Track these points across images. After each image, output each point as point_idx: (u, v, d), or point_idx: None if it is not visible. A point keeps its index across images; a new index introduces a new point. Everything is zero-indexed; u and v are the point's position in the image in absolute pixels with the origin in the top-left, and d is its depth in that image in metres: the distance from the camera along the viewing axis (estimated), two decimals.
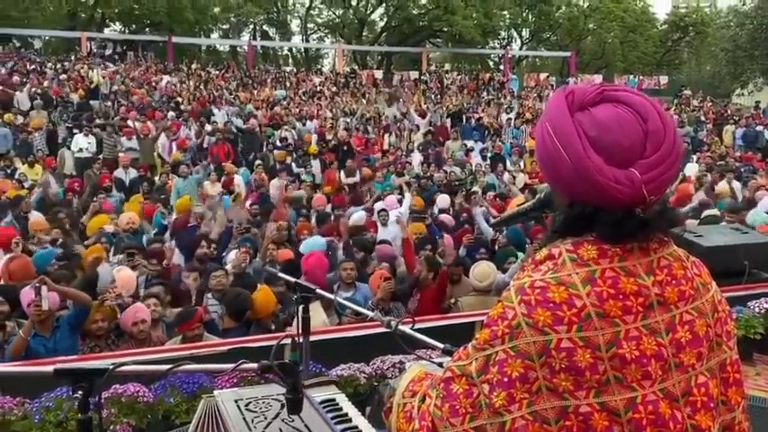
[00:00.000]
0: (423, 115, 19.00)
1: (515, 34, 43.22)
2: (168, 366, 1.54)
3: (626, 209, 1.20)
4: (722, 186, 11.70)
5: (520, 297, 1.22)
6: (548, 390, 1.17)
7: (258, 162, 13.57)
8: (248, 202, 10.07)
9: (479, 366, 1.22)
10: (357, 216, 8.67)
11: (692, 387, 1.21)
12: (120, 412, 3.28)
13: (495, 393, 1.19)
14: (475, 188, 11.31)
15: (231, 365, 1.58)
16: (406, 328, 1.99)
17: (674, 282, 1.24)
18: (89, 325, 4.68)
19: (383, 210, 8.87)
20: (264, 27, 42.80)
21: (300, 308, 2.30)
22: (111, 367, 1.48)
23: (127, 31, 37.10)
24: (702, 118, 21.85)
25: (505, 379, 1.19)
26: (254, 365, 1.55)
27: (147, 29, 36.76)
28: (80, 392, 1.46)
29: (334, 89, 24.57)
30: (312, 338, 2.97)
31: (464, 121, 19.44)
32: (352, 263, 5.96)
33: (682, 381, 1.21)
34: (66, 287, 4.81)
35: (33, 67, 23.15)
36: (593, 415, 1.16)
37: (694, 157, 16.15)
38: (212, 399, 1.84)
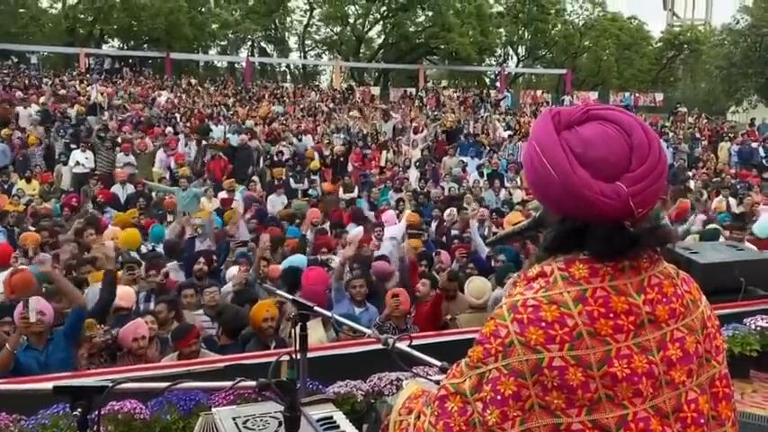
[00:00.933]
0: (416, 131, 19.12)
1: (511, 51, 43.55)
2: (167, 384, 1.55)
3: (615, 223, 1.22)
4: (718, 203, 11.78)
5: (513, 315, 1.23)
6: (540, 407, 1.19)
7: (254, 178, 13.59)
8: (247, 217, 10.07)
9: (473, 384, 1.24)
10: (355, 232, 8.68)
11: (682, 403, 1.23)
12: (117, 429, 3.26)
13: (488, 411, 1.21)
14: (464, 204, 11.32)
15: (229, 383, 1.58)
16: (403, 346, 2.00)
17: (664, 300, 1.26)
18: (82, 342, 4.66)
19: (378, 225, 8.90)
20: (262, 44, 43.05)
21: (298, 325, 2.31)
22: (110, 385, 1.49)
23: (125, 47, 37.30)
24: (698, 135, 22.00)
25: (499, 397, 1.20)
26: (253, 383, 1.55)
27: (145, 45, 36.96)
28: (79, 410, 1.47)
29: (331, 105, 24.68)
30: (309, 355, 2.97)
31: (462, 137, 19.53)
32: (362, 280, 5.91)
33: (672, 398, 1.22)
34: (65, 283, 4.78)
35: (29, 82, 23.20)
36: None
37: (690, 174, 16.24)
38: (210, 416, 1.84)
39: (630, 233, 1.22)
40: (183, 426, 3.34)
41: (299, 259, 6.86)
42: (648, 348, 1.22)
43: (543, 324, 1.20)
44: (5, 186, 12.46)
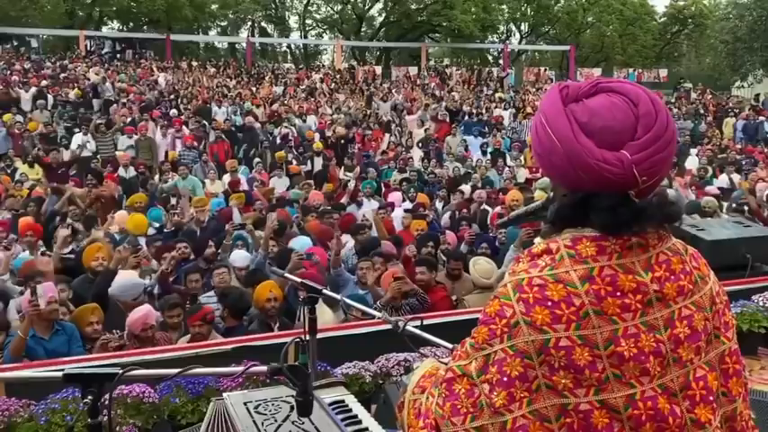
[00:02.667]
0: (410, 112, 18.99)
1: (514, 28, 43.16)
2: (177, 370, 1.54)
3: (620, 194, 1.21)
4: (723, 180, 11.75)
5: (518, 295, 1.22)
6: (547, 388, 1.18)
7: (257, 160, 13.53)
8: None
9: (479, 366, 1.24)
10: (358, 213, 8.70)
11: (690, 381, 1.22)
12: (126, 413, 3.27)
13: (495, 393, 1.20)
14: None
15: (240, 368, 1.57)
16: (414, 329, 1.98)
17: (672, 277, 1.25)
18: (84, 328, 4.66)
19: (381, 207, 8.92)
20: (263, 24, 42.70)
21: (306, 308, 2.29)
22: (120, 372, 1.48)
23: (125, 29, 37.04)
24: (702, 111, 21.82)
25: (505, 378, 1.20)
26: (264, 368, 1.54)
27: (145, 27, 36.69)
28: (90, 397, 1.46)
29: (333, 86, 24.51)
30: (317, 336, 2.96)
31: (465, 116, 19.38)
32: (369, 262, 5.87)
33: (680, 375, 1.22)
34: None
35: (31, 66, 23.09)
36: (593, 412, 1.17)
37: (693, 151, 16.12)
38: (221, 401, 1.84)
39: (635, 205, 1.21)
40: (192, 409, 3.35)
41: (303, 241, 6.84)
42: (656, 327, 1.21)
43: (549, 303, 1.19)
44: (8, 171, 12.43)
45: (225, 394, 1.86)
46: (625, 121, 1.22)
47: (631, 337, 1.18)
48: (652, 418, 1.18)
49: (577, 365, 1.17)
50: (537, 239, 1.32)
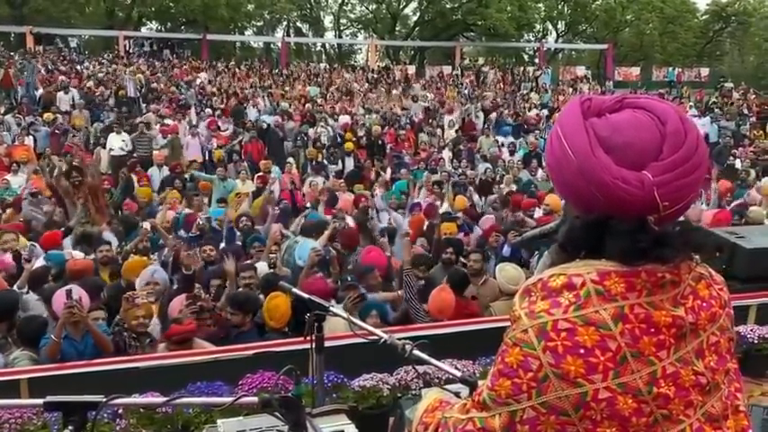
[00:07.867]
0: (450, 111, 18.81)
1: (551, 27, 42.61)
2: (163, 399, 1.46)
3: (638, 220, 1.10)
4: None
5: (543, 343, 1.09)
6: None
7: (290, 160, 13.51)
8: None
9: (504, 423, 1.12)
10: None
11: (726, 403, 1.17)
12: (139, 422, 3.23)
13: None
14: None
15: (230, 399, 1.48)
16: (420, 353, 1.88)
17: (704, 305, 1.16)
18: (130, 321, 4.67)
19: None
20: (298, 24, 42.97)
21: (315, 326, 2.21)
22: (103, 401, 1.41)
23: (163, 29, 37.67)
24: (746, 111, 21.18)
25: None
26: (255, 399, 1.45)
27: (182, 27, 37.25)
28: (70, 428, 1.39)
29: (366, 86, 24.45)
30: (334, 344, 2.87)
31: (498, 116, 19.15)
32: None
33: (717, 400, 1.16)
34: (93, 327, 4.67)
35: (71, 66, 23.56)
36: None
37: (736, 152, 15.65)
38: (214, 429, 1.76)
39: (655, 232, 1.09)
40: (205, 419, 3.28)
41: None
42: (689, 360, 1.12)
43: (582, 351, 1.07)
44: (48, 169, 12.64)
45: (219, 421, 1.78)
46: (650, 139, 1.12)
47: (670, 377, 1.10)
48: None
49: (622, 415, 1.07)
50: (547, 270, 1.18)
